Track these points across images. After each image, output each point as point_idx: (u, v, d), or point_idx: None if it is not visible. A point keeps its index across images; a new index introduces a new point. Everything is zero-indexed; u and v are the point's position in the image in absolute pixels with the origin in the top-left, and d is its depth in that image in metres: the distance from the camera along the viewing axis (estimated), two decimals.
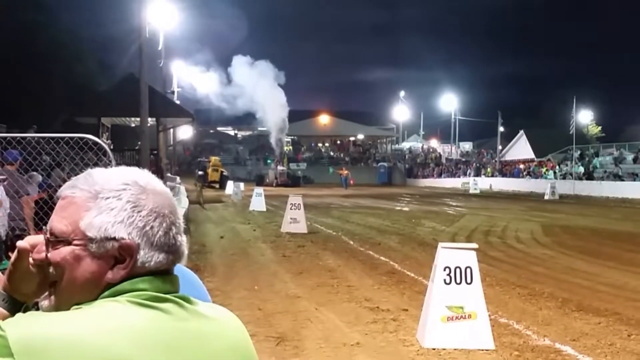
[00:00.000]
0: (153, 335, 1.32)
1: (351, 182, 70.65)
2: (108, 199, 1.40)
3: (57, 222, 1.42)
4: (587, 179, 54.54)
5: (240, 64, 69.42)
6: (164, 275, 1.43)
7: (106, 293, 1.39)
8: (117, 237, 1.38)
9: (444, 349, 7.70)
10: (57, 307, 1.41)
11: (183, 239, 1.48)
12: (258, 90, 70.24)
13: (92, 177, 1.45)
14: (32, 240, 1.47)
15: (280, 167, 76.05)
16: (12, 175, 9.32)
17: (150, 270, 1.40)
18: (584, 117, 78.95)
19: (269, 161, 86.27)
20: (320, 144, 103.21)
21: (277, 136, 79.49)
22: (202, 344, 1.38)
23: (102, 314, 1.32)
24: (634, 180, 48.58)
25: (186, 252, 1.50)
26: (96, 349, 1.24)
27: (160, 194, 1.46)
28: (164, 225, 1.43)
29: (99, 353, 1.24)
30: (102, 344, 1.25)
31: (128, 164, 1.66)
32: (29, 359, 1.22)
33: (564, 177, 58.01)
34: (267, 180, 72.13)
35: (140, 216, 1.40)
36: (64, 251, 1.40)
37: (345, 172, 72.96)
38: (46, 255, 1.42)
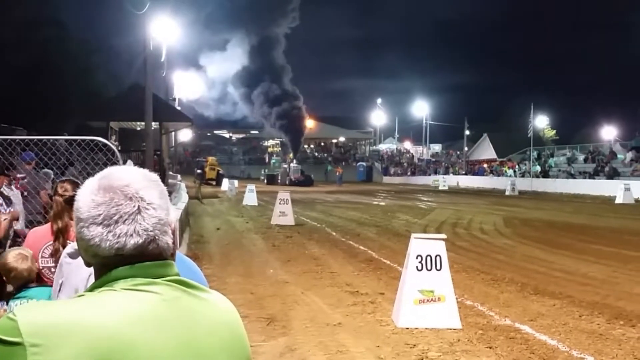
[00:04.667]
0: (147, 316, 1.32)
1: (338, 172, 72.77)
2: None
3: None
4: (543, 176, 54.69)
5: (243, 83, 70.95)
6: (155, 261, 1.42)
7: (102, 280, 1.40)
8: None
9: (416, 329, 7.73)
10: None
11: (152, 223, 1.43)
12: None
13: None
14: None
15: (294, 165, 69.05)
16: (30, 173, 9.34)
17: (132, 255, 1.39)
18: (541, 122, 79.20)
19: (273, 161, 78.56)
20: (306, 146, 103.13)
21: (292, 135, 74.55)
22: (193, 321, 1.38)
23: (101, 301, 1.33)
24: (585, 178, 48.79)
25: (164, 237, 1.46)
26: (97, 331, 1.25)
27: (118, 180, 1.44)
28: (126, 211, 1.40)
29: (100, 334, 1.25)
30: (103, 327, 1.26)
31: (135, 164, 1.65)
32: (36, 339, 1.22)
33: (522, 175, 58.16)
34: (279, 180, 66.09)
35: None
36: None
37: (340, 170, 73.64)
38: None
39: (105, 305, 1.32)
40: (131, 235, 1.39)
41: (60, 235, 4.32)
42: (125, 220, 1.39)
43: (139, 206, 1.41)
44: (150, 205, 1.43)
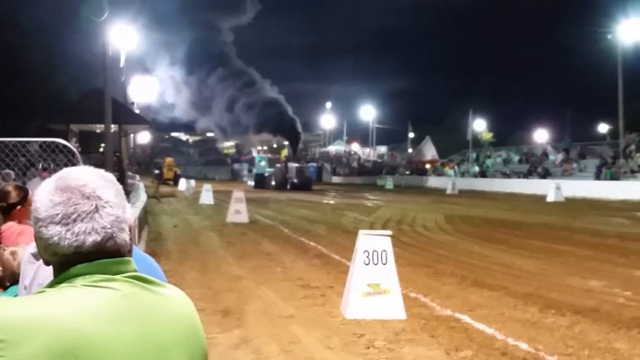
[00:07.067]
0: (107, 311, 1.30)
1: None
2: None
3: None
4: (481, 176, 55.50)
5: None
6: (113, 258, 1.39)
7: (61, 277, 1.37)
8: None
9: (364, 319, 7.75)
10: None
11: (109, 219, 1.39)
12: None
13: None
14: None
15: (296, 164, 55.57)
16: None
17: (91, 252, 1.36)
18: (479, 125, 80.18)
19: (258, 158, 63.77)
20: (259, 147, 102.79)
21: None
22: (151, 315, 1.36)
23: (62, 296, 1.31)
24: (519, 177, 49.64)
25: (121, 234, 1.43)
26: (59, 326, 1.23)
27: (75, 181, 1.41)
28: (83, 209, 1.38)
29: (62, 329, 1.23)
30: (65, 322, 1.24)
31: (94, 165, 1.62)
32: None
33: (462, 175, 58.92)
34: (273, 182, 53.54)
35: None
36: None
37: None
38: None
39: (67, 300, 1.30)
40: (89, 233, 1.36)
41: None
42: (83, 218, 1.37)
43: (96, 205, 1.38)
44: (107, 203, 1.40)
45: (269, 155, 67.51)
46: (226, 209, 22.95)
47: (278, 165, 56.84)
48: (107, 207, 1.40)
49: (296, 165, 55.15)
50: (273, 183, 53.48)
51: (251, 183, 57.86)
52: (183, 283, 10.02)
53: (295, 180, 51.89)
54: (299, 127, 66.99)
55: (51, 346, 1.21)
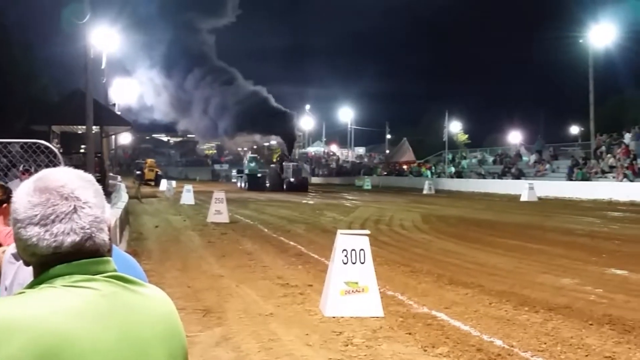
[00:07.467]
0: (87, 311, 1.29)
1: None
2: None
3: None
4: (457, 177, 55.73)
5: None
6: (92, 258, 1.38)
7: (41, 278, 1.36)
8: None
9: (342, 317, 7.76)
10: None
11: (89, 220, 1.38)
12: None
13: None
14: None
15: (292, 163, 52.87)
16: None
17: (70, 252, 1.35)
18: (454, 127, 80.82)
19: (249, 159, 60.96)
20: (239, 148, 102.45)
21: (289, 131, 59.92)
22: (132, 314, 1.35)
23: (42, 297, 1.30)
24: (494, 178, 49.95)
25: (100, 234, 1.41)
26: (40, 326, 1.22)
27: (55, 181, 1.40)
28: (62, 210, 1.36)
29: (42, 330, 1.22)
30: (45, 322, 1.23)
31: (76, 166, 1.60)
32: None
33: (438, 175, 59.13)
34: (268, 183, 51.70)
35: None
36: None
37: None
38: None
39: (47, 301, 1.28)
40: (68, 233, 1.35)
41: None
42: (62, 219, 1.35)
43: (74, 205, 1.37)
44: (86, 204, 1.39)
45: (257, 156, 65.88)
46: (207, 209, 22.85)
47: (272, 165, 55.24)
48: (85, 207, 1.38)
49: (293, 164, 52.80)
50: (268, 184, 51.59)
51: (242, 185, 55.40)
52: (164, 282, 9.98)
53: (292, 179, 50.13)
54: (295, 125, 63.51)
55: (32, 347, 1.19)
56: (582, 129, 67.20)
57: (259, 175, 54.03)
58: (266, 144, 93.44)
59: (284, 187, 49.44)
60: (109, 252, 1.44)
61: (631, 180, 36.29)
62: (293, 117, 63.24)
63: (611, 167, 39.43)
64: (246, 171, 56.17)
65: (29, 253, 1.37)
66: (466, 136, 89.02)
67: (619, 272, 11.33)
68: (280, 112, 61.11)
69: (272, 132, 62.88)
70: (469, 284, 10.08)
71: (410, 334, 7.17)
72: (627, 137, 40.52)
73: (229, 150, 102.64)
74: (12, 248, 3.22)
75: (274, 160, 60.18)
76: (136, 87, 65.43)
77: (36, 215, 1.35)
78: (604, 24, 45.01)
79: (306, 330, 7.31)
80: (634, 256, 13.23)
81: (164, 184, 47.64)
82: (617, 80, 61.53)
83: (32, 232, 1.35)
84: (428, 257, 13.38)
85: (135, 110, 66.73)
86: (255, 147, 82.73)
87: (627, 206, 30.65)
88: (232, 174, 64.99)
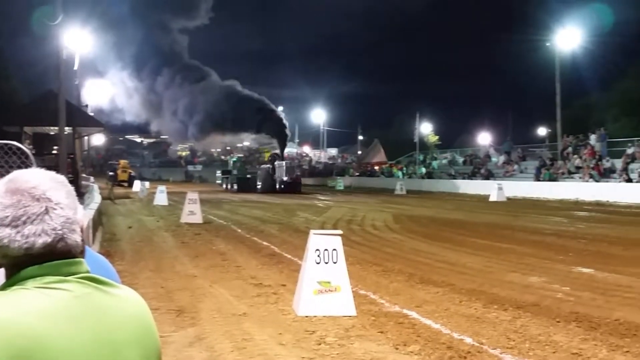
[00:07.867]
0: (59, 312, 1.28)
1: None
2: None
3: None
4: (427, 177, 56.03)
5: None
6: (65, 259, 1.36)
7: (13, 280, 1.34)
8: None
9: (315, 317, 7.75)
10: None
11: (61, 221, 1.37)
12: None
13: None
14: None
15: (285, 162, 50.90)
16: None
17: (42, 254, 1.34)
18: (425, 129, 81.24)
19: (234, 160, 60.60)
20: (212, 150, 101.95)
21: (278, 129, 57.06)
22: (105, 315, 1.34)
23: (13, 299, 1.28)
24: (464, 178, 50.34)
25: (72, 235, 1.40)
26: (12, 328, 1.21)
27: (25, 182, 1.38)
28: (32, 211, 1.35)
29: (15, 332, 1.21)
30: (17, 324, 1.22)
31: (48, 167, 1.58)
32: None
33: (410, 176, 59.40)
34: (259, 185, 48.90)
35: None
36: None
37: None
38: None
39: (18, 303, 1.27)
40: (39, 234, 1.34)
41: None
42: (33, 220, 1.34)
43: (46, 207, 1.36)
44: (58, 205, 1.37)
45: (243, 156, 63.94)
46: (180, 209, 22.71)
47: (263, 165, 52.54)
48: (57, 208, 1.37)
49: (286, 162, 50.31)
50: (259, 185, 49.06)
51: (228, 186, 52.78)
52: (137, 283, 9.91)
53: (286, 178, 47.82)
54: (286, 124, 59.28)
55: (4, 349, 1.18)
56: (549, 130, 68.00)
57: (248, 176, 51.40)
58: (246, 143, 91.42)
59: (277, 187, 47.47)
60: (81, 253, 1.43)
61: (597, 181, 36.83)
62: (281, 114, 60.91)
63: (577, 167, 39.96)
64: (234, 172, 53.57)
65: (0, 255, 1.36)
66: (437, 137, 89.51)
67: (585, 270, 11.47)
68: (267, 108, 58.42)
69: (260, 130, 59.80)
70: (440, 283, 10.13)
71: (382, 332, 7.19)
72: (593, 139, 41.07)
73: (202, 152, 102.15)
74: None
75: (266, 159, 56.73)
76: (108, 89, 64.71)
77: (7, 217, 1.33)
78: (570, 28, 45.67)
79: (279, 330, 7.29)
80: (600, 255, 13.42)
81: (137, 185, 47.28)
82: (582, 83, 62.46)
83: (3, 234, 1.33)
84: (399, 256, 13.42)
85: (108, 111, 66.01)
86: (245, 148, 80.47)
87: (592, 206, 31.06)
88: (217, 174, 61.74)
